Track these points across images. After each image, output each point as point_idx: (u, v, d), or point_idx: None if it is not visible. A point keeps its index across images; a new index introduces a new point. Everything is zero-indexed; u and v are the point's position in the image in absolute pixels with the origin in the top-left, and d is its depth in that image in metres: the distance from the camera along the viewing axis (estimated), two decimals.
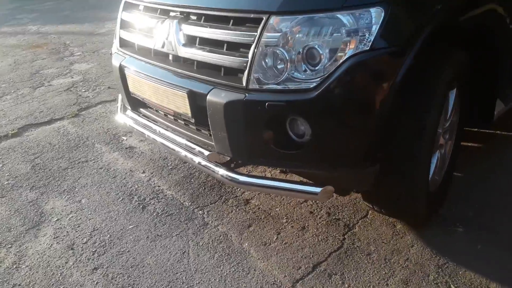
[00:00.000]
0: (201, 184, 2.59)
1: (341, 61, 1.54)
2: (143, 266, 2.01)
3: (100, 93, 4.20)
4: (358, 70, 1.55)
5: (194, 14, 1.92)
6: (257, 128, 1.70)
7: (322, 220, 2.20)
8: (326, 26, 1.56)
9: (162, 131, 2.17)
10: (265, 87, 1.66)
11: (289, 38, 1.60)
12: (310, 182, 1.81)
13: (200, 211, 2.35)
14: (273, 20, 1.61)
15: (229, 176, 1.84)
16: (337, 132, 1.61)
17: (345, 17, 1.55)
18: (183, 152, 2.04)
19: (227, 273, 1.93)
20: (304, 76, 1.60)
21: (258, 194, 2.45)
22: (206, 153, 1.91)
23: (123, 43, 2.39)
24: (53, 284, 1.95)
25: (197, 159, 1.98)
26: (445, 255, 1.92)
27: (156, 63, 2.09)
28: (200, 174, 2.69)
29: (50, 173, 2.84)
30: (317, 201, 2.27)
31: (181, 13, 1.97)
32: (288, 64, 1.61)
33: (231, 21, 1.75)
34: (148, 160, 2.93)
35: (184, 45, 1.91)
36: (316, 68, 1.58)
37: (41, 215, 2.42)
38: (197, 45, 1.88)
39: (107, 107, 3.85)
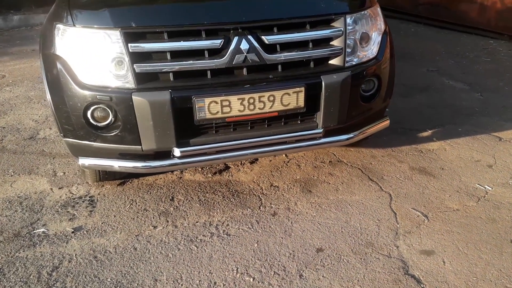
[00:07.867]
0: (227, 200, 2.67)
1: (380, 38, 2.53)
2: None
3: None
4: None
5: (266, 25, 2.24)
6: (354, 92, 2.41)
7: (328, 167, 3.00)
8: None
9: (255, 140, 2.29)
10: (350, 63, 2.40)
11: (356, 27, 2.40)
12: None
13: (278, 209, 2.57)
14: (348, 17, 2.35)
15: (348, 137, 2.46)
16: (391, 78, 2.61)
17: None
18: (290, 146, 2.38)
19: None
20: (363, 51, 2.47)
21: (261, 176, 2.86)
22: (319, 130, 2.36)
23: (143, 79, 2.15)
24: None
25: (305, 143, 2.38)
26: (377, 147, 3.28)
27: (230, 80, 2.22)
28: (215, 192, 2.71)
29: None
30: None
31: (245, 28, 2.20)
32: (358, 44, 2.42)
33: (308, 24, 2.29)
34: (128, 224, 2.51)
35: (269, 53, 2.21)
36: (369, 44, 2.49)
37: None
38: (279, 50, 2.24)
39: None
